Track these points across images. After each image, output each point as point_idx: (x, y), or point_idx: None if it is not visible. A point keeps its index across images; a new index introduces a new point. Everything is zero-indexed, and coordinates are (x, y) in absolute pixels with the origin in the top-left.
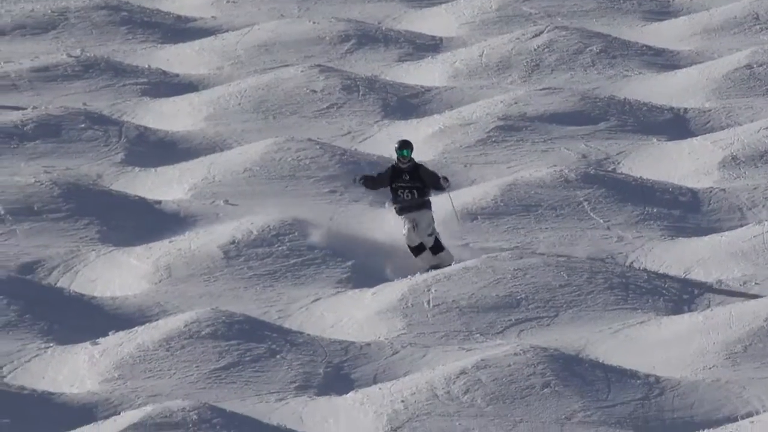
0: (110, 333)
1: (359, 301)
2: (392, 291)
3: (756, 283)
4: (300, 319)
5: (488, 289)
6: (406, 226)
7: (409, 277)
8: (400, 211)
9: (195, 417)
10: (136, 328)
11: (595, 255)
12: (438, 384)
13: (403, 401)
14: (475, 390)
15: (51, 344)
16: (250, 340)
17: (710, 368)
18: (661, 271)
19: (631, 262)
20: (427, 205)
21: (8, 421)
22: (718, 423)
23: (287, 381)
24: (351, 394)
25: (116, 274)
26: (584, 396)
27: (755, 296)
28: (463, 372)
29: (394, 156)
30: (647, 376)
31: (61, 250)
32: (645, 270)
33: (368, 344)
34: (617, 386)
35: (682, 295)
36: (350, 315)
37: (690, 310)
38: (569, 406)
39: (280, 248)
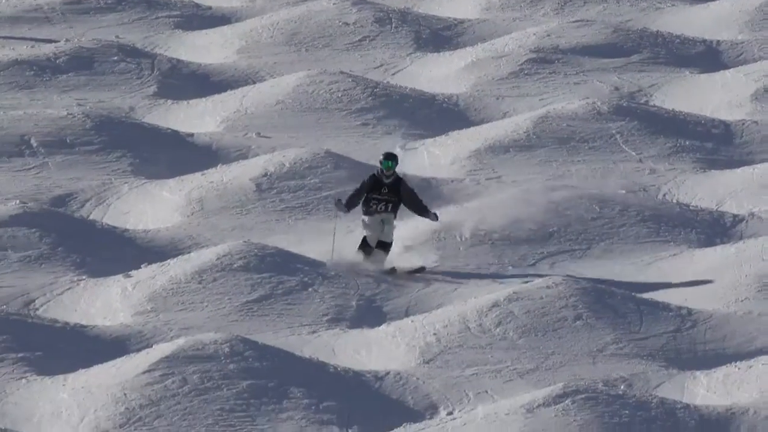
0: (143, 266)
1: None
2: (424, 223)
3: None
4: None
5: (521, 222)
6: (370, 224)
7: (442, 209)
8: (367, 213)
9: (227, 349)
10: (168, 260)
11: (627, 187)
12: (470, 317)
13: (435, 334)
14: (508, 323)
15: (83, 277)
16: (283, 273)
17: (742, 301)
18: (693, 204)
19: (664, 195)
20: (394, 213)
21: (40, 353)
22: (751, 355)
23: (319, 313)
24: (383, 326)
25: (148, 206)
26: (616, 328)
27: None
28: (495, 305)
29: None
30: (679, 308)
31: (93, 183)
32: (677, 202)
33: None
34: (649, 318)
35: (715, 227)
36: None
37: (722, 243)
38: (601, 338)
39: (312, 180)
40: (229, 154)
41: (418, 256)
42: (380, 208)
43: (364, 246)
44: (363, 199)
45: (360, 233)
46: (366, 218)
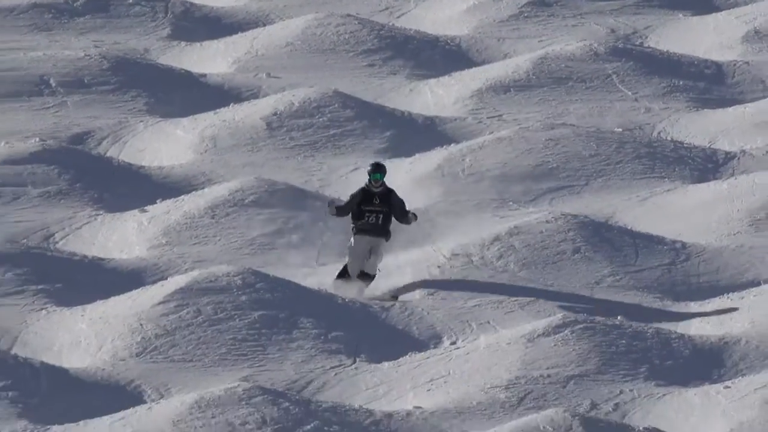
0: (158, 201)
1: (397, 170)
2: (429, 160)
3: None
4: (340, 188)
5: (521, 159)
6: (355, 251)
7: (445, 146)
8: (358, 232)
9: (239, 281)
10: (182, 196)
11: (623, 125)
12: (473, 250)
13: (439, 266)
14: (509, 256)
15: (101, 212)
16: (292, 208)
17: (734, 234)
18: (686, 141)
19: (658, 133)
20: (386, 236)
21: (60, 285)
22: (742, 287)
23: (328, 247)
24: (391, 258)
25: (163, 144)
26: (613, 261)
27: None
28: (496, 239)
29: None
30: (674, 242)
31: (110, 122)
32: (671, 140)
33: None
34: (645, 252)
35: (707, 164)
36: (388, 184)
37: (715, 179)
38: (598, 271)
39: (320, 119)
40: (240, 93)
41: (422, 191)
42: (372, 219)
43: (343, 274)
44: (355, 213)
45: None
46: (353, 241)
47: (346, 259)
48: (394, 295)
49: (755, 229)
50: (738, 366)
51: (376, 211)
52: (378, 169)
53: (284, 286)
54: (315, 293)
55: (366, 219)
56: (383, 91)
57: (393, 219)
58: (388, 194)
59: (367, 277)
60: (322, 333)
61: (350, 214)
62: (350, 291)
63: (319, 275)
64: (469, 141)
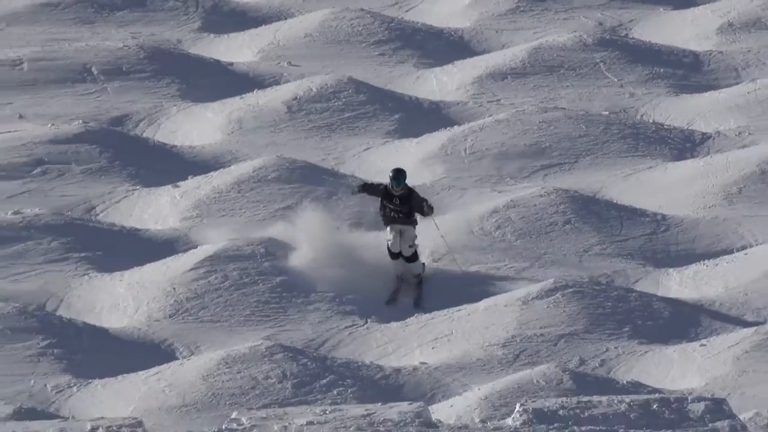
0: (189, 177)
1: (405, 150)
2: (434, 140)
3: (749, 134)
4: (353, 165)
5: (517, 139)
6: (391, 234)
7: (448, 128)
8: (386, 222)
9: (262, 250)
10: (211, 173)
11: (610, 109)
12: (473, 221)
13: (443, 237)
14: (506, 227)
15: (137, 187)
16: (310, 184)
17: (710, 207)
18: (666, 123)
19: (641, 116)
20: (412, 223)
21: (100, 253)
22: (717, 255)
23: (343, 218)
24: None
25: (194, 126)
26: (600, 232)
27: (749, 145)
28: (494, 211)
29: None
30: (655, 214)
31: (146, 105)
32: (653, 122)
33: (413, 187)
34: (629, 223)
35: (685, 143)
36: (397, 161)
37: (692, 157)
38: (587, 240)
39: (336, 103)
40: (263, 80)
41: (428, 169)
42: (393, 216)
43: (391, 254)
44: (380, 204)
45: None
46: (388, 228)
47: (389, 243)
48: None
49: (729, 202)
50: (713, 326)
51: (396, 210)
52: (398, 176)
53: (305, 255)
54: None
55: (389, 214)
56: (393, 78)
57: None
58: (409, 196)
59: (407, 258)
60: (337, 296)
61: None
62: (400, 267)
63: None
64: (471, 123)
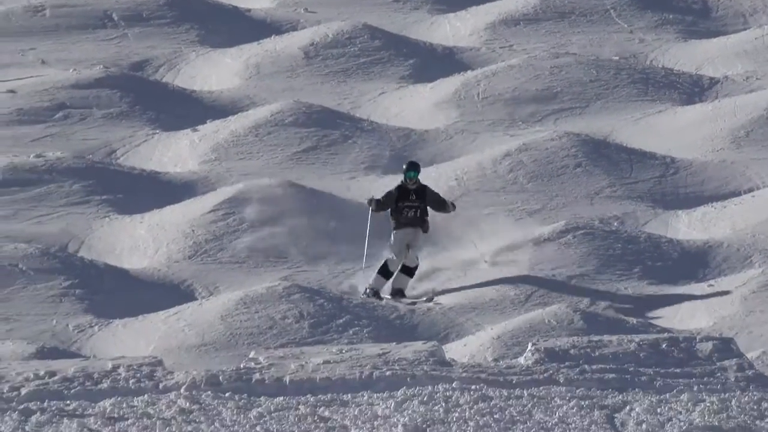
0: (208, 121)
1: (419, 94)
2: (448, 85)
3: (757, 78)
4: (369, 110)
5: (529, 84)
6: (398, 247)
7: (461, 73)
8: (398, 227)
9: (280, 192)
10: (229, 117)
11: (620, 54)
12: (486, 164)
13: (456, 179)
14: (518, 170)
15: (157, 131)
16: (326, 127)
17: (718, 150)
18: (676, 68)
19: (651, 61)
20: (424, 227)
21: (121, 196)
22: (725, 197)
23: (358, 162)
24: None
25: (213, 71)
26: (610, 174)
27: (756, 89)
28: (507, 154)
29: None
30: (664, 157)
31: (166, 51)
32: (663, 67)
33: (426, 131)
34: (638, 166)
35: (694, 88)
36: (411, 106)
37: (701, 101)
38: (597, 183)
39: (352, 49)
40: (281, 26)
41: (441, 113)
42: (411, 214)
43: (384, 272)
44: (393, 209)
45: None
46: (393, 238)
47: (388, 255)
48: (430, 297)
49: (736, 146)
50: (720, 267)
51: (413, 206)
52: (412, 167)
53: (319, 197)
54: (346, 203)
55: (405, 214)
56: (407, 24)
57: (430, 210)
58: (423, 190)
59: (409, 269)
60: (352, 237)
61: (390, 212)
62: (397, 285)
63: (353, 191)
64: (483, 68)
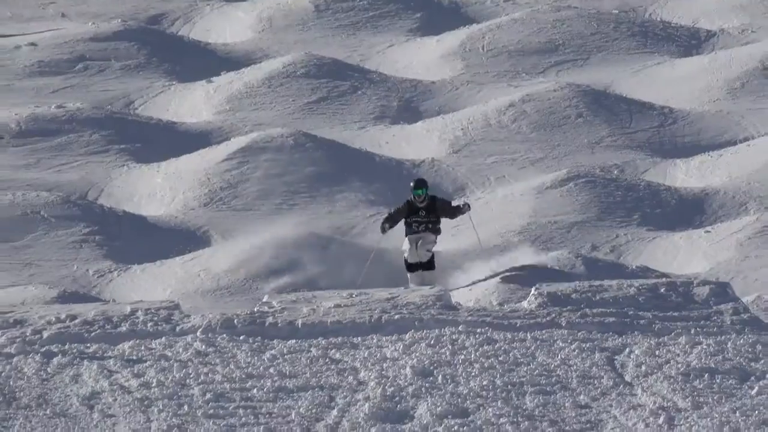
0: (222, 73)
1: (426, 47)
2: (453, 38)
3: (752, 31)
4: (377, 62)
5: (532, 36)
6: (407, 245)
7: (467, 26)
8: (410, 233)
9: (291, 142)
10: (243, 69)
11: (619, 8)
12: (491, 115)
13: (462, 129)
14: (522, 119)
15: (173, 82)
16: (337, 79)
17: (714, 101)
18: (674, 22)
19: (649, 14)
20: (435, 233)
21: (139, 145)
22: (721, 146)
23: (367, 112)
24: (420, 123)
25: (227, 24)
26: (611, 124)
27: (751, 41)
28: (511, 105)
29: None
30: (662, 107)
31: (181, 5)
32: (660, 20)
33: (433, 82)
34: (638, 116)
35: (691, 41)
36: (419, 58)
37: (698, 53)
38: (598, 132)
39: (361, 3)
40: None
41: (447, 65)
42: (422, 228)
43: (408, 266)
44: (406, 224)
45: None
46: (407, 239)
47: (405, 255)
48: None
49: (732, 96)
50: (717, 213)
51: (423, 222)
52: (420, 185)
53: (330, 146)
54: (356, 152)
55: (415, 228)
56: None
57: (443, 219)
58: (433, 204)
59: (425, 265)
60: (363, 185)
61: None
62: (425, 281)
63: (363, 139)
64: (488, 21)
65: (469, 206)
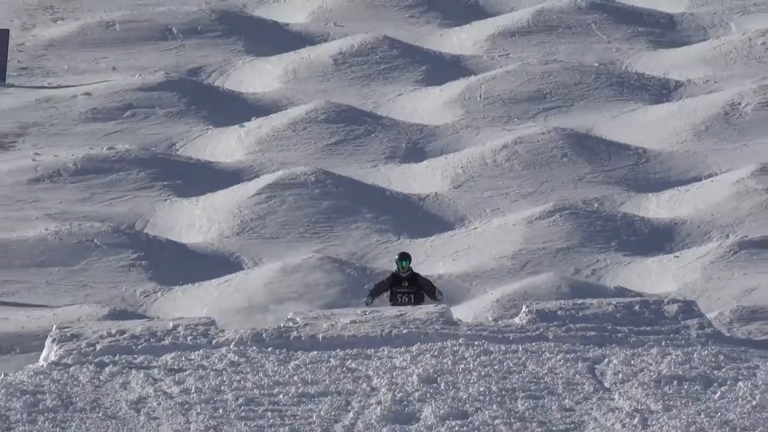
0: (252, 119)
1: (430, 95)
2: (454, 88)
3: (715, 82)
4: (388, 108)
5: (523, 86)
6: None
7: (466, 78)
8: (395, 305)
9: (313, 179)
10: (270, 115)
11: (600, 61)
12: (487, 155)
13: (462, 167)
14: (514, 159)
15: (210, 127)
16: (352, 123)
17: (682, 142)
18: (647, 73)
19: (626, 67)
20: (419, 302)
21: (180, 182)
22: (688, 182)
23: (379, 153)
24: (425, 162)
25: (257, 76)
26: (592, 163)
27: (714, 91)
28: (504, 146)
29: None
30: (637, 148)
31: (217, 59)
32: (635, 72)
33: (437, 126)
34: (615, 156)
35: (662, 90)
36: (424, 105)
37: (668, 101)
38: (581, 170)
39: (374, 57)
40: (314, 38)
41: (449, 111)
42: (405, 300)
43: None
44: (390, 296)
45: None
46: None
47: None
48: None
49: (698, 138)
50: (684, 241)
51: (406, 292)
52: (404, 257)
53: (347, 183)
54: (369, 187)
55: (399, 300)
56: (420, 36)
57: (425, 296)
58: (415, 277)
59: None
60: (375, 217)
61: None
62: None
63: (376, 176)
64: (485, 73)
65: (442, 295)
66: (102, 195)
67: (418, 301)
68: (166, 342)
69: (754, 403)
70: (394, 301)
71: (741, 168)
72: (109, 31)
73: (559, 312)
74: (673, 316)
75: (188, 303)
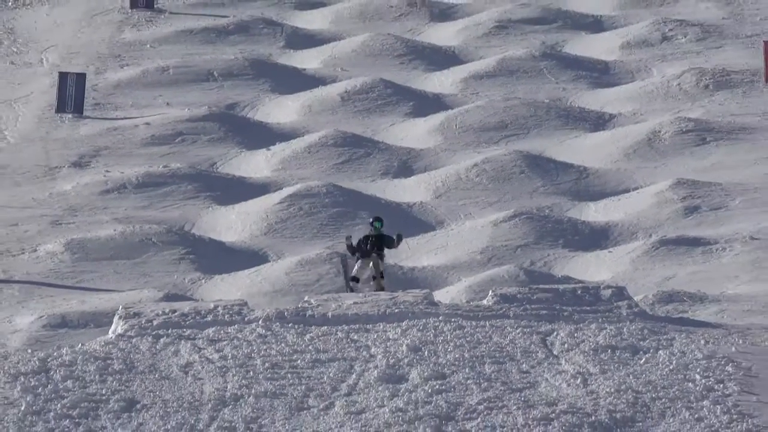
0: (277, 143)
1: (417, 125)
2: (436, 119)
3: (641, 114)
4: (383, 135)
5: (489, 118)
6: (361, 264)
7: (444, 111)
8: (363, 256)
9: (324, 190)
10: (291, 140)
11: (550, 98)
12: (461, 172)
13: (441, 181)
14: (482, 175)
15: (243, 149)
16: (355, 147)
17: (615, 162)
18: (587, 108)
19: (570, 102)
20: (381, 257)
21: (219, 193)
22: (619, 193)
23: (376, 170)
24: (413, 177)
25: (280, 110)
26: (543, 178)
27: (640, 122)
28: (475, 165)
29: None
30: (579, 166)
31: (248, 97)
32: (578, 107)
33: (422, 149)
34: (563, 173)
35: (599, 120)
36: (412, 133)
37: (604, 129)
38: (535, 184)
39: (372, 95)
40: (325, 80)
41: (432, 137)
42: (369, 248)
43: (354, 280)
44: (359, 247)
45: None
46: (360, 261)
47: (354, 273)
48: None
49: (627, 158)
50: (617, 239)
51: (373, 243)
52: (378, 219)
53: (351, 194)
54: (369, 197)
55: (367, 249)
56: (409, 78)
57: (386, 248)
58: (382, 235)
59: (377, 277)
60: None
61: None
62: (372, 286)
63: (373, 188)
64: (459, 107)
65: (401, 237)
66: (158, 203)
67: (381, 253)
68: (209, 319)
69: (671, 367)
70: (363, 250)
71: (660, 182)
72: (165, 75)
73: (518, 295)
74: (607, 299)
75: (226, 288)
